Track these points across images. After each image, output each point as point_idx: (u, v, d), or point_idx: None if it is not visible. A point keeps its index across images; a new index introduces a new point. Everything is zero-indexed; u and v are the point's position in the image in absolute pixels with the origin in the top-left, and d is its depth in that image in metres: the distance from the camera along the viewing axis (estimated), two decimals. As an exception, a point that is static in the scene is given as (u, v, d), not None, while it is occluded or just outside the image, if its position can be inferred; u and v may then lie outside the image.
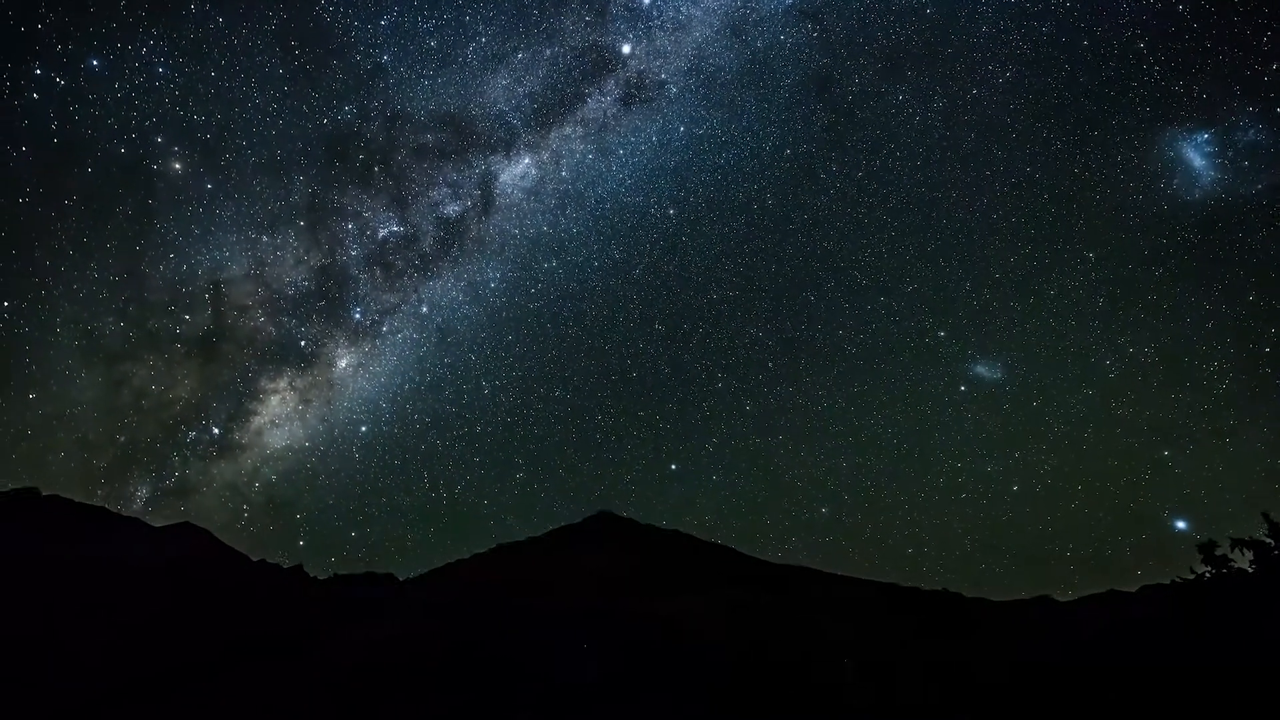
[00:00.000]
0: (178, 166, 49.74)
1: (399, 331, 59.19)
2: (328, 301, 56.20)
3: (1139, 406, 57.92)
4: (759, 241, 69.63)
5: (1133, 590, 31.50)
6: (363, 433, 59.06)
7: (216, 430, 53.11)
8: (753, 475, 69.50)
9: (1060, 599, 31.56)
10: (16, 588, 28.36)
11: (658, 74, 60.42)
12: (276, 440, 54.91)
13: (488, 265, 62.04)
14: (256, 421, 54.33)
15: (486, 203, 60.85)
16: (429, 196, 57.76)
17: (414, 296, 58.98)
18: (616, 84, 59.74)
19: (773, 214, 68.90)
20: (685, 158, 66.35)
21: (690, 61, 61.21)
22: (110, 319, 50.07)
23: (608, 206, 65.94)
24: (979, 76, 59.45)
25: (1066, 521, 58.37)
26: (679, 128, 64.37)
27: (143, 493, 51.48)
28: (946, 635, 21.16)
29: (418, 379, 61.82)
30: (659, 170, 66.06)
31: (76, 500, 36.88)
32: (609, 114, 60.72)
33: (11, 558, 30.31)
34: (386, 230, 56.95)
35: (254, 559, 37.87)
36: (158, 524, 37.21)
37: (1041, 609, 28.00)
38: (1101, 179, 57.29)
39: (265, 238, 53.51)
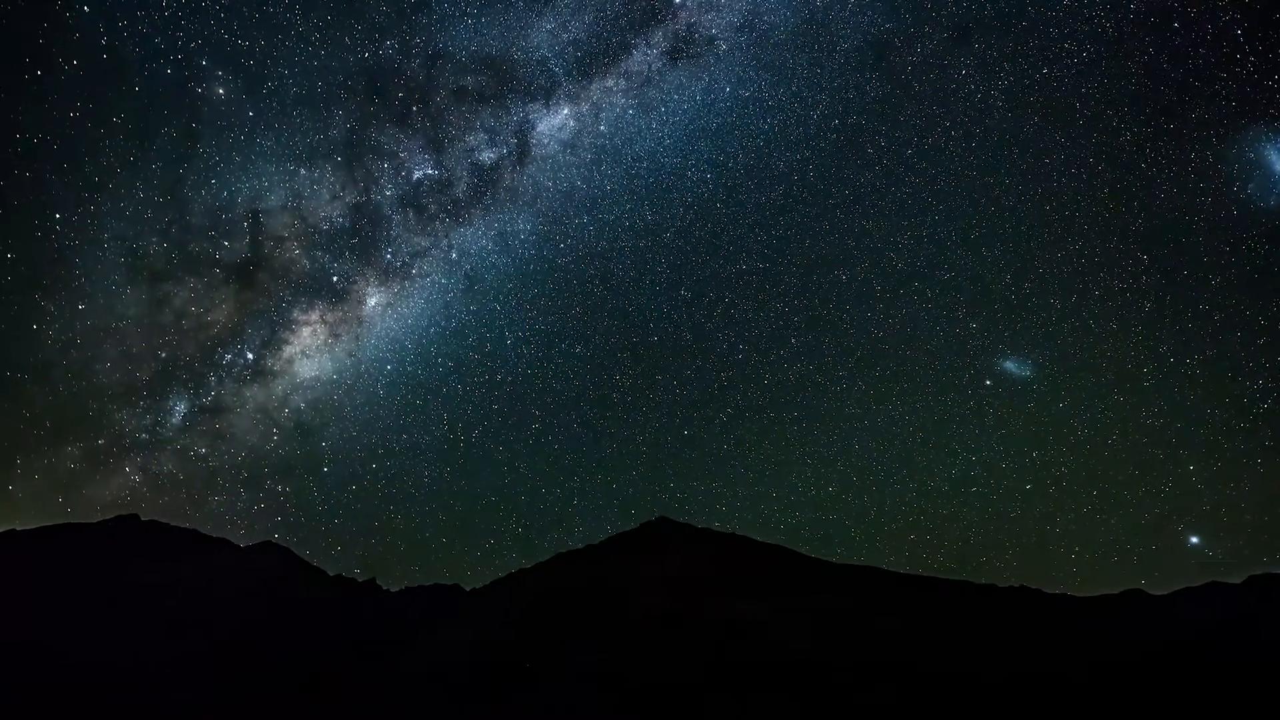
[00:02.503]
0: (221, 91, 51.60)
1: (428, 275, 61.32)
2: (360, 240, 58.45)
3: (1170, 418, 54.12)
4: (795, 214, 66.20)
5: (1237, 581, 29.30)
6: (388, 370, 61.87)
7: (250, 355, 56.67)
8: (763, 448, 67.46)
9: (1154, 592, 29.65)
10: (124, 606, 30.69)
11: (708, 28, 58.85)
12: (306, 370, 58.21)
13: (519, 216, 62.95)
14: (288, 350, 57.78)
15: (522, 152, 60.21)
16: (465, 141, 58.21)
17: (444, 242, 60.51)
18: (664, 36, 56.71)
19: (813, 187, 66.60)
20: (728, 120, 62.36)
21: (743, 17, 57.51)
22: (154, 239, 53.13)
23: (644, 165, 62.95)
24: (1052, 54, 53.67)
25: (1076, 524, 56.64)
26: (725, 88, 60.57)
27: (180, 408, 55.88)
28: (1034, 634, 20.19)
29: (443, 323, 63.91)
30: (700, 131, 62.77)
31: (171, 524, 39.72)
32: (654, 68, 57.84)
33: (117, 579, 32.86)
34: (421, 172, 58.34)
35: (330, 574, 39.83)
36: (243, 544, 39.66)
37: (1134, 604, 26.36)
38: (1169, 176, 51.69)
39: (303, 170, 55.25)
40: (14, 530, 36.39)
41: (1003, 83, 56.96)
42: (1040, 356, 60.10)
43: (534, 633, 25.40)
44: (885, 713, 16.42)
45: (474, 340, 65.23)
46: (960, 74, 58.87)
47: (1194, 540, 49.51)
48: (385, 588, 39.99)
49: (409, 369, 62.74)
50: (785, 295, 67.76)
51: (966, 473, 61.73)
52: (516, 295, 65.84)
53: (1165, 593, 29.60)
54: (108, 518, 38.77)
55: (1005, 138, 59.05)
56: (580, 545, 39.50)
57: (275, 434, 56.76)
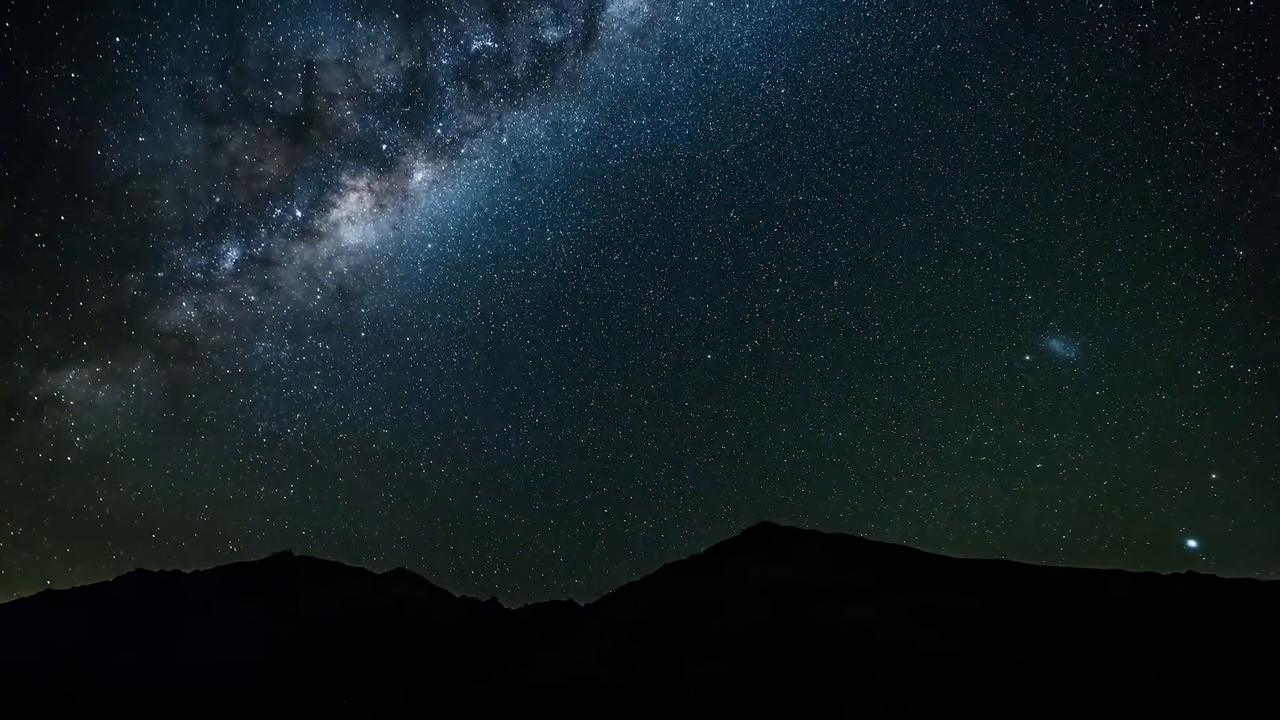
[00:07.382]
0: (279, -81, 48.06)
1: (476, 158, 58.64)
2: (412, 109, 56.28)
3: (1209, 424, 48.64)
4: (868, 148, 59.17)
5: None
6: (428, 249, 60.29)
7: (299, 213, 56.84)
8: (784, 384, 64.18)
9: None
10: (284, 633, 34.66)
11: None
12: (351, 236, 58.06)
13: (575, 107, 57.78)
14: (335, 214, 57.54)
15: (588, 35, 55.04)
16: (529, 14, 53.99)
17: (496, 124, 57.28)
18: (766, -82, 48.35)
19: (894, 120, 57.14)
20: (817, 28, 54.84)
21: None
22: (210, 79, 52.62)
23: (716, 69, 57.59)
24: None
25: (1077, 509, 53.17)
26: (821, -11, 52.06)
27: (233, 254, 57.12)
28: (1214, 632, 17.84)
29: (486, 209, 61.15)
30: (783, 38, 55.45)
31: (318, 558, 44.48)
32: (747, -46, 49.80)
33: (277, 608, 37.17)
34: (480, 44, 54.36)
35: (456, 595, 42.88)
36: (379, 571, 43.66)
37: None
38: (1302, 165, 42.79)
39: (360, 24, 52.73)
40: (197, 570, 42.28)
41: (1142, 26, 47.45)
42: (1091, 340, 54.59)
43: (645, 647, 25.90)
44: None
45: (514, 231, 62.46)
46: (1095, 8, 48.67)
47: (1191, 544, 47.81)
48: (506, 606, 42.41)
49: (448, 250, 61.11)
50: (838, 235, 61.25)
51: (980, 441, 57.68)
52: (563, 192, 61.55)
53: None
54: (266, 556, 44.11)
55: (1125, 92, 49.36)
56: (684, 556, 39.92)
57: (319, 293, 58.41)
